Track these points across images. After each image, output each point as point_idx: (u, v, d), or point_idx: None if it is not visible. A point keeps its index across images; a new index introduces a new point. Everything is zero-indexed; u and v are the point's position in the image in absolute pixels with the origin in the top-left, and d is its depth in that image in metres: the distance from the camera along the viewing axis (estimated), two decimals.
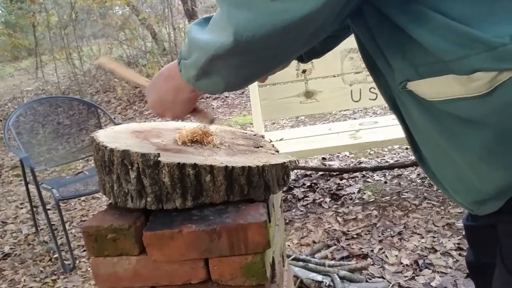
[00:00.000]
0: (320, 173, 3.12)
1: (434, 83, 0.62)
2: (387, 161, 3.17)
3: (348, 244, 2.13)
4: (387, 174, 2.94)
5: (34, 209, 2.85)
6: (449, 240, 2.04)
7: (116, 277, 0.85)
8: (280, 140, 2.73)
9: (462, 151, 0.65)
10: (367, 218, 2.36)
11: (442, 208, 2.35)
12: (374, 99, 2.63)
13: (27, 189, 2.61)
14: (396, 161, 3.15)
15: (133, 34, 7.11)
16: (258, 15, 0.55)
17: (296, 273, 1.76)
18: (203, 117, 0.89)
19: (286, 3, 0.53)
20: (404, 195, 2.58)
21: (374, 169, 3.02)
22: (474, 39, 0.56)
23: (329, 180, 2.98)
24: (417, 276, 1.83)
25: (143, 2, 7.73)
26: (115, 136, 0.97)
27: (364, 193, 2.69)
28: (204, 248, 0.80)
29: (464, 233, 1.01)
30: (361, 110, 4.53)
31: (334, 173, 3.06)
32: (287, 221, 2.47)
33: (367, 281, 1.81)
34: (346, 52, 2.58)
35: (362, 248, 2.08)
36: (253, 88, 2.59)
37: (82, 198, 3.24)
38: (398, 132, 2.46)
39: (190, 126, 1.15)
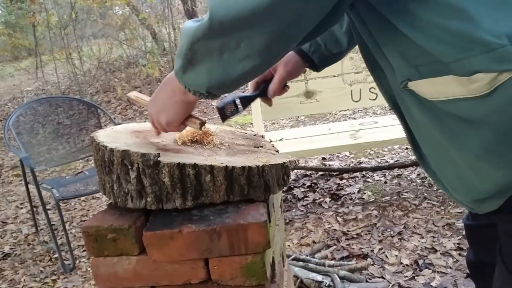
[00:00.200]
0: (320, 173, 3.12)
1: (434, 83, 0.62)
2: (387, 161, 3.17)
3: (348, 244, 2.13)
4: (387, 174, 2.94)
5: (34, 209, 2.85)
6: (449, 240, 2.04)
7: (116, 277, 0.85)
8: (280, 140, 2.73)
9: (462, 151, 0.65)
10: (367, 218, 2.36)
11: (442, 208, 2.35)
12: (374, 99, 2.63)
13: (27, 189, 2.61)
14: (396, 161, 3.15)
15: (133, 34, 7.11)
16: None
17: (296, 273, 1.76)
18: (192, 122, 0.89)
19: None
20: (404, 195, 2.58)
21: (374, 169, 3.02)
22: (473, 41, 0.56)
23: (329, 180, 2.98)
24: (417, 276, 1.83)
25: (143, 2, 7.73)
26: (115, 136, 0.97)
27: (364, 193, 2.69)
28: (204, 248, 0.80)
29: (464, 232, 1.02)
30: (361, 110, 4.53)
31: (334, 173, 3.06)
32: (287, 221, 2.47)
33: (367, 281, 1.81)
34: None
35: (362, 248, 2.08)
36: None
37: (82, 198, 3.24)
38: (398, 132, 2.46)
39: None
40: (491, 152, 0.62)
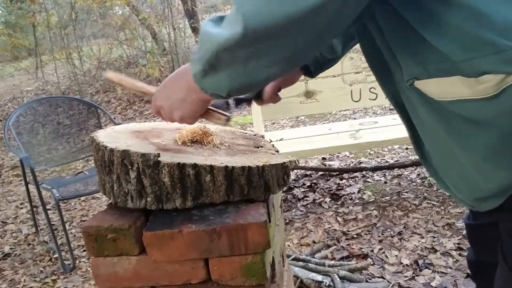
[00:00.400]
0: (320, 173, 3.12)
1: (441, 84, 0.62)
2: (387, 161, 3.17)
3: (348, 244, 2.13)
4: (387, 174, 2.94)
5: (34, 209, 2.85)
6: (449, 240, 2.04)
7: (116, 277, 0.85)
8: (280, 140, 2.73)
9: (468, 151, 0.65)
10: (367, 218, 2.36)
11: (442, 208, 2.35)
12: (374, 99, 2.63)
13: (27, 189, 2.61)
14: (396, 161, 3.15)
15: (133, 34, 7.11)
16: (268, 2, 0.54)
17: (296, 273, 1.76)
18: (216, 118, 0.86)
19: None
20: (404, 195, 2.58)
21: (374, 169, 3.02)
22: (483, 41, 0.57)
23: (329, 180, 2.98)
24: (417, 276, 1.83)
25: (143, 2, 7.72)
26: (115, 136, 0.97)
27: (364, 193, 2.69)
28: (204, 248, 0.80)
29: (465, 232, 1.02)
30: (361, 110, 4.53)
31: (334, 173, 3.06)
32: (287, 221, 2.47)
33: (367, 281, 1.81)
34: None
35: (362, 248, 2.08)
36: None
37: (82, 198, 3.24)
38: (398, 132, 2.47)
39: (190, 126, 1.15)
40: (497, 153, 0.62)
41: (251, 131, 1.27)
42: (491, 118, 0.60)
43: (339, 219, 2.41)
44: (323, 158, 3.39)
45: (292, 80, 1.02)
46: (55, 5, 7.04)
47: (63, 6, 7.40)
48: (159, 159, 0.81)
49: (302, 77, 1.10)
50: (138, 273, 0.84)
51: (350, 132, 2.67)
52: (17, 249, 2.65)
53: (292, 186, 2.93)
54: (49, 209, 2.86)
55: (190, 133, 1.02)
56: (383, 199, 2.57)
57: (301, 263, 1.83)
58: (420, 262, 1.91)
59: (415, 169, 2.91)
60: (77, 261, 2.38)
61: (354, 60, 2.58)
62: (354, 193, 2.71)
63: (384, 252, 2.03)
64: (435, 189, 2.59)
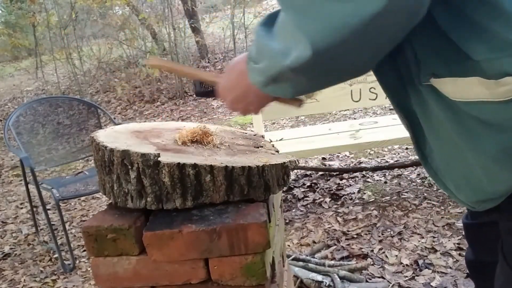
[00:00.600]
0: (320, 173, 3.12)
1: (459, 84, 0.62)
2: (387, 161, 3.17)
3: (348, 244, 2.13)
4: (387, 174, 2.94)
5: (34, 209, 2.85)
6: (449, 240, 2.04)
7: (116, 277, 0.85)
8: (280, 140, 2.73)
9: (478, 152, 0.64)
10: (367, 218, 2.36)
11: (442, 208, 2.35)
12: (374, 99, 2.63)
13: (27, 189, 2.61)
14: (396, 161, 3.15)
15: (133, 34, 7.11)
16: (331, 19, 0.52)
17: (296, 273, 1.76)
18: (290, 102, 0.87)
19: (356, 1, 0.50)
20: (404, 195, 2.58)
21: (374, 169, 3.02)
22: (508, 42, 0.56)
23: (329, 180, 2.98)
24: (417, 276, 1.83)
25: (143, 2, 7.73)
26: (115, 136, 0.97)
27: (364, 193, 2.69)
28: (204, 248, 0.80)
29: (463, 232, 1.02)
30: (361, 110, 4.53)
31: (334, 173, 3.06)
32: (287, 221, 2.47)
33: (367, 281, 1.81)
34: None
35: (362, 248, 2.08)
36: None
37: (82, 198, 3.24)
38: (398, 132, 2.47)
39: (190, 126, 1.15)
40: (508, 156, 0.62)
41: (251, 131, 1.28)
42: (506, 121, 0.60)
43: (339, 219, 2.41)
44: (323, 158, 3.39)
45: None
46: (55, 5, 7.05)
47: (63, 6, 7.41)
48: (159, 159, 0.81)
49: None
50: (138, 273, 0.84)
51: (350, 132, 2.67)
52: (17, 249, 2.65)
53: (292, 186, 2.93)
54: (49, 209, 2.87)
55: (190, 133, 1.02)
56: (383, 199, 2.57)
57: (301, 263, 1.83)
58: (420, 262, 1.91)
59: (415, 169, 2.91)
60: (77, 261, 2.38)
61: None
62: (354, 193, 2.71)
63: (384, 252, 2.03)
64: (435, 189, 2.59)
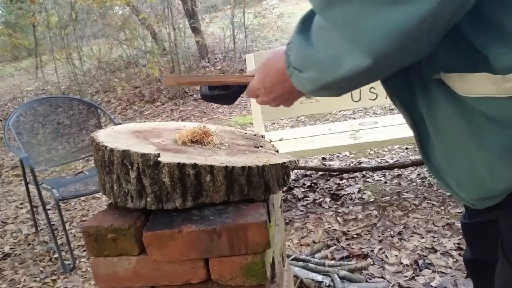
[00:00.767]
0: (320, 173, 3.12)
1: (467, 79, 0.62)
2: (387, 161, 3.17)
3: (348, 244, 2.13)
4: (387, 174, 2.94)
5: (34, 209, 2.85)
6: (449, 240, 2.04)
7: (116, 277, 0.85)
8: (280, 140, 2.73)
9: (483, 148, 0.64)
10: (367, 218, 2.36)
11: (442, 208, 2.35)
12: (374, 99, 2.63)
13: (27, 189, 2.61)
14: (396, 161, 3.15)
15: (133, 34, 7.12)
16: (387, 26, 0.51)
17: (296, 273, 1.76)
18: None
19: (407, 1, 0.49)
20: (404, 195, 2.58)
21: (374, 169, 3.02)
22: None
23: (329, 180, 2.98)
24: (417, 276, 1.83)
25: (143, 2, 7.73)
26: (115, 136, 0.97)
27: (364, 193, 2.69)
28: (204, 248, 0.80)
29: (462, 232, 1.02)
30: (361, 110, 4.53)
31: (334, 173, 3.06)
32: (287, 221, 2.47)
33: (367, 281, 1.81)
34: None
35: (362, 248, 2.08)
36: None
37: (82, 198, 3.24)
38: (398, 132, 2.46)
39: (190, 126, 1.15)
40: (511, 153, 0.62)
41: (251, 131, 1.28)
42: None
43: (339, 219, 2.41)
44: (323, 158, 3.39)
45: None
46: (55, 5, 7.05)
47: (63, 6, 7.41)
48: (159, 159, 0.81)
49: None
50: (138, 273, 0.84)
51: (350, 132, 2.67)
52: (17, 249, 2.65)
53: (292, 186, 2.93)
54: (49, 209, 2.87)
55: (190, 133, 1.02)
56: (383, 199, 2.57)
57: (301, 263, 1.83)
58: (420, 262, 1.91)
59: (415, 169, 2.91)
60: (77, 261, 2.38)
61: None
62: (354, 193, 2.71)
63: (384, 252, 2.03)
64: (435, 189, 2.59)
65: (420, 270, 1.86)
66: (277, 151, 1.10)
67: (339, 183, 2.88)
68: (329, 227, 2.33)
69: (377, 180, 2.86)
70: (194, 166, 0.81)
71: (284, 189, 1.55)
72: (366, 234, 2.21)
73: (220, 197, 0.85)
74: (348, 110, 4.55)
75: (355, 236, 2.21)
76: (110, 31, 7.46)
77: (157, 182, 0.82)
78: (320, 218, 2.44)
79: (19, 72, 9.07)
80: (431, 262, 1.90)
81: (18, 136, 2.57)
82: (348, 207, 2.53)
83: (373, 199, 2.59)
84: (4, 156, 5.03)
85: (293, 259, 1.87)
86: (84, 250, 2.47)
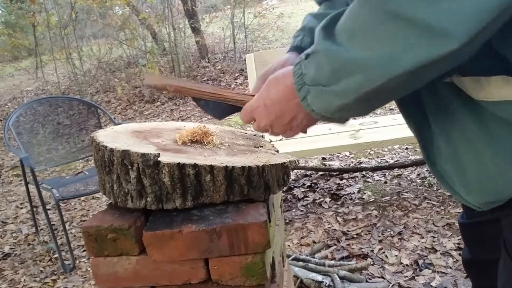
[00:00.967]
0: (320, 173, 3.12)
1: (483, 83, 0.59)
2: (387, 161, 3.17)
3: (348, 244, 2.13)
4: (387, 174, 2.94)
5: (34, 209, 2.85)
6: (449, 240, 2.04)
7: (116, 277, 0.85)
8: (280, 140, 2.73)
9: (498, 153, 0.62)
10: (367, 218, 2.36)
11: (442, 208, 2.35)
12: None
13: (27, 189, 2.61)
14: (396, 161, 3.15)
15: (133, 34, 7.12)
16: (471, 5, 0.46)
17: (296, 273, 1.76)
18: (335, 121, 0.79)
19: None
20: (404, 195, 2.58)
21: (374, 169, 3.02)
22: None
23: (329, 180, 2.98)
24: (417, 276, 1.83)
25: (143, 2, 7.73)
26: (115, 136, 0.97)
27: (364, 193, 2.68)
28: (204, 248, 0.80)
29: (460, 232, 1.01)
30: None
31: (334, 173, 3.06)
32: (287, 221, 2.47)
33: (367, 281, 1.81)
34: None
35: (362, 248, 2.08)
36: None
37: (82, 198, 3.24)
38: (398, 132, 2.46)
39: (190, 126, 1.15)
40: None
41: (251, 131, 1.28)
42: None
43: (339, 219, 2.41)
44: (323, 158, 3.39)
45: None
46: (55, 5, 7.05)
47: (63, 6, 7.41)
48: (159, 159, 0.81)
49: None
50: (138, 273, 0.84)
51: (350, 132, 2.67)
52: (17, 249, 2.65)
53: (292, 186, 2.93)
54: (49, 209, 2.87)
55: (190, 133, 1.02)
56: (383, 199, 2.57)
57: (301, 263, 1.83)
58: (420, 262, 1.91)
59: (415, 169, 2.91)
60: (77, 261, 2.38)
61: None
62: (354, 193, 2.71)
63: (384, 252, 2.03)
64: (435, 189, 2.59)
65: (420, 270, 1.86)
66: (277, 151, 1.10)
67: (339, 183, 2.88)
68: (329, 227, 2.33)
69: (377, 180, 2.86)
70: (194, 166, 0.81)
71: (284, 189, 1.55)
72: (366, 234, 2.21)
73: (220, 197, 0.85)
74: None
75: (355, 236, 2.21)
76: (110, 31, 7.46)
77: (157, 182, 0.82)
78: (320, 218, 2.44)
79: (19, 72, 9.07)
80: (431, 262, 1.90)
81: (18, 136, 2.57)
82: (348, 207, 2.53)
83: (373, 199, 2.59)
84: (4, 156, 5.04)
85: (293, 259, 1.87)
86: (84, 250, 2.47)
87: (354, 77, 0.55)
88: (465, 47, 0.49)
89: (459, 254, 1.93)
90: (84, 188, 2.40)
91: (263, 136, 1.27)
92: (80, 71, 7.18)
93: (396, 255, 1.99)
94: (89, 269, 2.29)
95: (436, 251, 1.98)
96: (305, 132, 0.76)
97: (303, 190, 2.86)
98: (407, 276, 1.84)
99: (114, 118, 2.93)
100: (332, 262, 1.92)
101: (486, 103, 0.60)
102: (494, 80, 0.58)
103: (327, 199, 2.66)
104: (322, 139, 2.63)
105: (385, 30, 0.50)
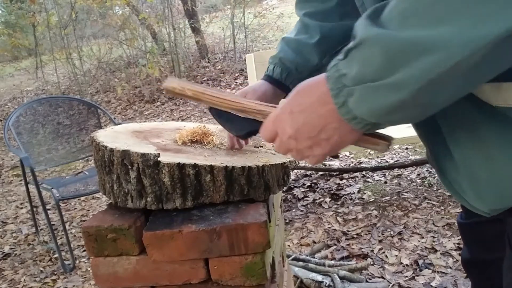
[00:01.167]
0: (320, 173, 3.12)
1: (502, 89, 0.55)
2: (387, 161, 3.17)
3: (348, 244, 2.13)
4: (387, 174, 2.94)
5: (34, 209, 2.85)
6: (449, 240, 2.04)
7: (116, 277, 0.85)
8: None
9: None
10: (367, 218, 2.36)
11: (442, 208, 2.35)
12: None
13: (27, 189, 2.61)
14: (396, 161, 3.15)
15: (133, 34, 7.12)
16: None
17: (296, 273, 1.76)
18: (372, 143, 0.65)
19: None
20: (404, 195, 2.58)
21: (374, 169, 3.02)
22: None
23: (329, 180, 2.98)
24: (417, 276, 1.83)
25: (143, 2, 7.73)
26: (115, 136, 0.97)
27: (364, 193, 2.68)
28: (204, 248, 0.80)
29: (459, 232, 1.01)
30: None
31: (334, 173, 3.06)
32: (287, 221, 2.47)
33: (367, 281, 1.81)
34: None
35: (362, 248, 2.08)
36: None
37: (82, 198, 3.24)
38: (398, 132, 2.46)
39: (190, 126, 1.15)
40: None
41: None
42: None
43: (339, 219, 2.41)
44: None
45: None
46: (55, 5, 7.05)
47: (63, 6, 7.42)
48: (159, 159, 0.81)
49: None
50: (138, 273, 0.84)
51: None
52: (17, 249, 2.65)
53: (292, 186, 2.93)
54: (49, 209, 2.87)
55: (190, 133, 1.02)
56: (383, 199, 2.57)
57: (301, 263, 1.83)
58: (420, 262, 1.91)
59: (415, 169, 2.91)
60: (77, 261, 2.38)
61: None
62: (354, 193, 2.71)
63: (384, 252, 2.03)
64: (435, 189, 2.59)
65: (420, 270, 1.86)
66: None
67: (339, 183, 2.88)
68: (329, 227, 2.33)
69: (377, 180, 2.86)
70: (194, 166, 0.81)
71: (284, 189, 1.55)
72: (366, 234, 2.21)
73: (220, 197, 0.85)
74: None
75: (355, 236, 2.21)
76: (110, 31, 7.47)
77: (157, 182, 0.82)
78: (320, 218, 2.44)
79: (19, 72, 9.08)
80: (431, 262, 1.90)
81: (18, 136, 2.57)
82: (348, 207, 2.53)
83: (373, 199, 2.59)
84: (4, 156, 5.04)
85: (293, 259, 1.87)
86: (84, 250, 2.47)
87: (419, 61, 0.45)
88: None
89: (459, 254, 1.93)
90: (84, 188, 2.40)
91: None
92: (80, 71, 7.18)
93: (396, 255, 1.99)
94: (89, 269, 2.29)
95: (436, 251, 1.98)
96: (335, 154, 0.65)
97: (303, 190, 2.86)
98: (407, 276, 1.84)
99: (114, 118, 2.94)
100: (332, 262, 1.92)
101: (506, 109, 0.56)
102: None
103: (327, 199, 2.66)
104: None
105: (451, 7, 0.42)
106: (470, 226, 0.94)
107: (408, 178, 2.82)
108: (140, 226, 0.84)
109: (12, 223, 3.08)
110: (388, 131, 0.66)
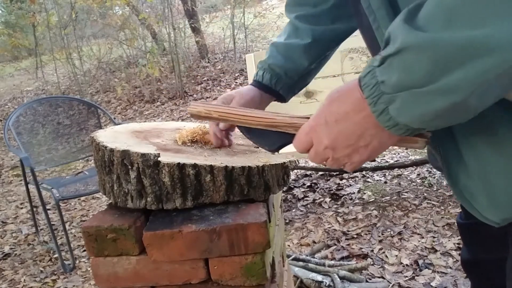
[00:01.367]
0: (320, 173, 3.12)
1: None
2: (387, 161, 3.17)
3: (348, 244, 2.13)
4: (387, 174, 2.94)
5: (34, 209, 2.85)
6: (449, 240, 2.04)
7: (116, 277, 0.85)
8: None
9: None
10: (367, 218, 2.36)
11: (442, 208, 2.35)
12: None
13: (27, 189, 2.61)
14: (396, 161, 3.15)
15: (133, 34, 7.12)
16: None
17: (296, 273, 1.76)
18: (411, 142, 0.64)
19: None
20: (404, 195, 2.58)
21: (374, 169, 3.02)
22: None
23: (329, 180, 2.98)
24: (417, 276, 1.83)
25: (143, 2, 7.73)
26: (115, 136, 0.97)
27: (364, 193, 2.69)
28: (204, 248, 0.80)
29: (459, 232, 1.01)
30: None
31: (334, 173, 3.06)
32: (287, 221, 2.47)
33: (367, 281, 1.81)
34: (346, 52, 2.58)
35: (362, 248, 2.08)
36: None
37: (82, 198, 3.24)
38: None
39: (190, 126, 1.15)
40: None
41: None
42: None
43: (339, 219, 2.41)
44: None
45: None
46: (55, 5, 7.05)
47: (63, 6, 7.42)
48: (159, 159, 0.81)
49: None
50: (138, 273, 0.84)
51: None
52: (17, 249, 2.65)
53: (292, 186, 2.93)
54: (49, 209, 2.87)
55: (190, 133, 1.02)
56: (383, 199, 2.57)
57: (301, 263, 1.83)
58: (420, 262, 1.91)
59: (415, 169, 2.91)
60: (77, 261, 2.38)
61: (354, 60, 2.58)
62: (354, 193, 2.71)
63: (384, 252, 2.03)
64: (435, 189, 2.59)
65: (420, 270, 1.86)
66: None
67: (339, 183, 2.88)
68: (329, 227, 2.33)
69: (377, 180, 2.86)
70: (194, 166, 0.81)
71: (284, 189, 1.55)
72: (366, 234, 2.21)
73: (220, 197, 0.85)
74: None
75: (355, 236, 2.21)
76: (110, 31, 7.47)
77: (157, 182, 0.82)
78: (320, 218, 2.44)
79: (19, 72, 9.08)
80: (431, 262, 1.90)
81: (18, 136, 2.57)
82: (348, 207, 2.53)
83: (373, 199, 2.59)
84: (4, 156, 5.04)
85: (293, 259, 1.87)
86: (84, 250, 2.47)
87: (474, 63, 0.43)
88: None
89: (459, 254, 1.93)
90: (84, 188, 2.40)
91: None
92: (80, 71, 7.19)
93: (396, 255, 1.99)
94: (89, 269, 2.29)
95: (436, 251, 1.98)
96: (373, 159, 0.64)
97: (303, 190, 2.86)
98: (407, 276, 1.84)
99: (114, 118, 2.94)
100: (332, 262, 1.92)
101: None
102: None
103: (327, 199, 2.66)
104: None
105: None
106: (470, 226, 0.94)
107: (408, 178, 2.82)
108: (140, 226, 0.84)
109: (12, 223, 3.08)
110: None
